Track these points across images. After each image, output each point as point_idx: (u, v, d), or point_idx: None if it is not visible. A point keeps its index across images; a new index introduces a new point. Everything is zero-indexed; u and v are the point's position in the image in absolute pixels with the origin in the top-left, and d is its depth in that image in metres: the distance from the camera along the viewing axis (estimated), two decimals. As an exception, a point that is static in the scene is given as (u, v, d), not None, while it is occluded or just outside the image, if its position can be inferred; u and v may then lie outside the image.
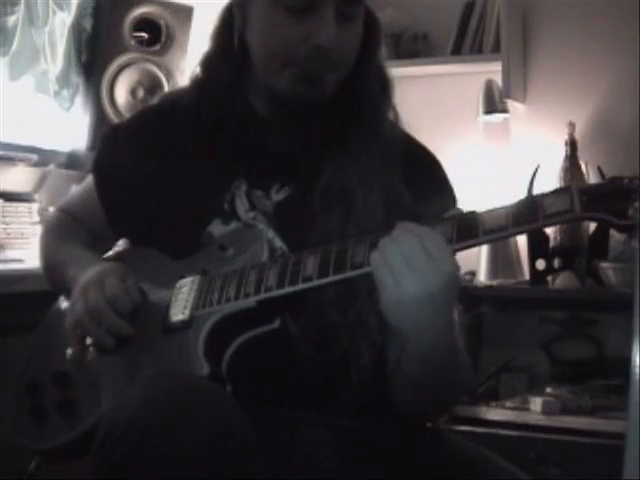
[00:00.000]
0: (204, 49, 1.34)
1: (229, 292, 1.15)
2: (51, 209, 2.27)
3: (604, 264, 2.46)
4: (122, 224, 1.38)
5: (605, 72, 2.82)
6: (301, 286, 1.09)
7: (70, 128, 2.64)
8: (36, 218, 2.25)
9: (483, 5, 2.91)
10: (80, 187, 1.49)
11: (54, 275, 1.39)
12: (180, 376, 1.06)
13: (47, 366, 1.31)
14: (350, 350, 1.17)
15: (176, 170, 1.31)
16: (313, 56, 1.18)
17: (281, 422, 1.17)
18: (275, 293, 1.11)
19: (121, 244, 1.48)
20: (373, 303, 1.16)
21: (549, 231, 2.97)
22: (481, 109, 2.85)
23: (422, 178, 1.28)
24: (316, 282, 1.08)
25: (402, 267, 0.98)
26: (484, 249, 2.76)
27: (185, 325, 1.16)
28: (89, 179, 1.43)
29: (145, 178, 1.32)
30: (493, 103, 2.84)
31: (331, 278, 1.07)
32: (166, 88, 2.66)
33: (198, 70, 1.33)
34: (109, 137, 1.43)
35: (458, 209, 1.21)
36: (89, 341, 1.25)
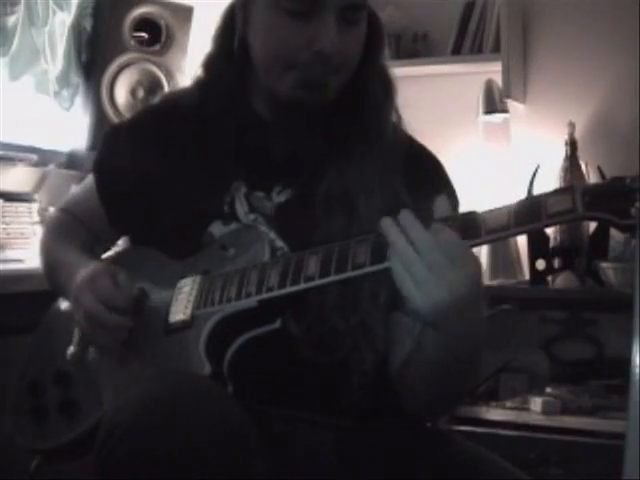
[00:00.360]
0: (204, 49, 1.34)
1: (230, 292, 1.14)
2: (51, 209, 2.27)
3: (604, 264, 2.47)
4: (122, 223, 1.38)
5: (605, 72, 2.82)
6: (303, 286, 1.09)
7: (70, 128, 2.64)
8: (36, 218, 2.25)
9: (483, 5, 2.91)
10: (80, 186, 1.49)
11: (52, 276, 1.39)
12: (182, 376, 1.06)
13: (48, 366, 1.31)
14: (352, 355, 1.17)
15: (176, 170, 1.31)
16: (315, 61, 1.18)
17: (282, 422, 1.17)
18: (277, 293, 1.11)
19: (121, 244, 1.48)
20: (376, 308, 1.16)
21: (549, 231, 2.98)
22: (481, 109, 2.85)
23: (424, 180, 1.27)
24: (318, 282, 1.08)
25: (424, 273, 0.97)
26: (484, 249, 2.77)
27: (186, 325, 1.16)
28: (89, 178, 1.43)
29: (146, 178, 1.32)
30: (493, 103, 2.84)
31: (333, 278, 1.07)
32: (166, 88, 2.66)
33: (200, 71, 1.33)
34: (110, 136, 1.43)
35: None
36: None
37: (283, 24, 1.18)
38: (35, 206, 2.27)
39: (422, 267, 0.97)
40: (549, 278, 2.63)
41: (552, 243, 2.59)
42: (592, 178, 2.60)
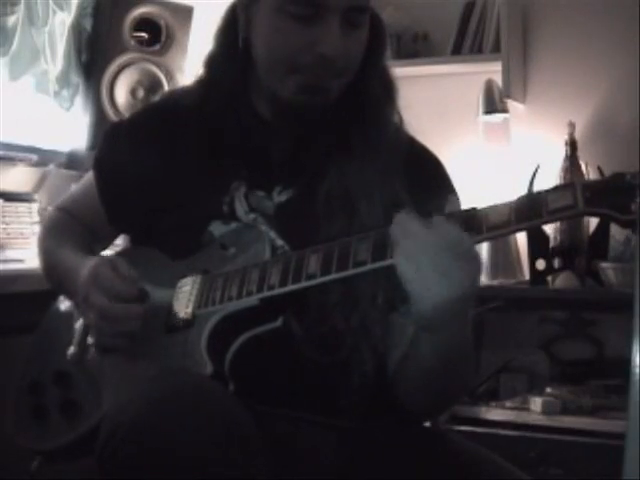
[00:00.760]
0: (205, 49, 1.33)
1: (231, 290, 1.14)
2: (49, 210, 2.27)
3: (604, 264, 2.47)
4: (122, 222, 1.38)
5: (605, 72, 2.83)
6: (304, 284, 1.09)
7: (70, 128, 2.63)
8: (36, 218, 2.25)
9: (483, 5, 2.92)
10: (79, 184, 1.49)
11: (52, 275, 1.39)
12: (183, 375, 1.06)
13: (48, 366, 1.31)
14: (352, 355, 1.17)
15: (177, 169, 1.31)
16: (318, 64, 1.18)
17: (282, 422, 1.17)
18: (278, 291, 1.11)
19: (120, 243, 1.48)
20: (376, 308, 1.16)
21: (549, 231, 2.98)
22: (481, 109, 2.85)
23: (426, 181, 1.27)
24: (319, 279, 1.08)
25: (430, 272, 0.97)
26: (484, 249, 2.76)
27: (187, 324, 1.16)
28: (88, 176, 1.43)
29: (146, 176, 1.32)
30: (493, 103, 2.84)
31: (334, 275, 1.07)
32: (166, 88, 2.66)
33: (201, 70, 1.33)
34: (110, 134, 1.42)
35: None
36: (90, 340, 1.25)
37: (287, 28, 1.18)
38: (35, 206, 2.27)
39: (426, 262, 0.97)
40: (549, 278, 2.63)
41: (552, 243, 2.59)
42: (592, 178, 2.59)
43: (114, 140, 1.40)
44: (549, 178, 2.60)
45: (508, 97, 2.83)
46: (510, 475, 1.17)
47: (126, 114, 2.57)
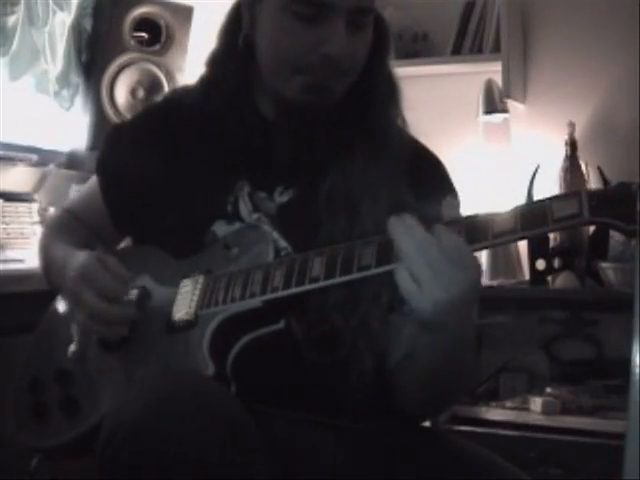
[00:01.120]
0: (205, 49, 1.33)
1: (234, 292, 1.14)
2: (51, 209, 2.27)
3: (604, 264, 2.47)
4: (126, 223, 1.38)
5: (605, 72, 2.82)
6: (308, 287, 1.09)
7: (70, 128, 2.63)
8: (36, 218, 2.25)
9: (483, 5, 2.91)
10: (85, 186, 1.50)
11: (48, 274, 1.39)
12: (185, 376, 1.06)
13: (48, 365, 1.31)
14: (352, 355, 1.17)
15: (180, 170, 1.31)
16: (324, 65, 1.18)
17: (283, 422, 1.17)
18: (281, 293, 1.11)
19: (124, 243, 1.48)
20: (377, 308, 1.16)
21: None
22: (481, 109, 2.85)
23: (428, 183, 1.27)
24: (323, 283, 1.08)
25: (425, 273, 0.97)
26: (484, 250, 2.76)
27: (190, 324, 1.16)
28: (92, 179, 1.44)
29: (149, 177, 1.32)
30: (493, 103, 2.84)
31: (338, 279, 1.07)
32: (166, 88, 2.66)
33: (204, 68, 1.33)
34: (112, 136, 1.43)
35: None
36: (92, 338, 1.25)
37: (292, 28, 1.18)
38: (35, 206, 2.27)
39: (424, 267, 0.97)
40: (549, 278, 2.63)
41: (552, 243, 2.59)
42: (592, 178, 2.60)
43: (116, 142, 1.40)
44: (549, 178, 2.60)
45: (508, 97, 2.82)
46: (510, 475, 1.17)
47: (126, 114, 2.57)
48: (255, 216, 1.25)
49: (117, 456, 0.95)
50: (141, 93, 2.65)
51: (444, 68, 2.98)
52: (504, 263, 2.78)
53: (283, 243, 1.23)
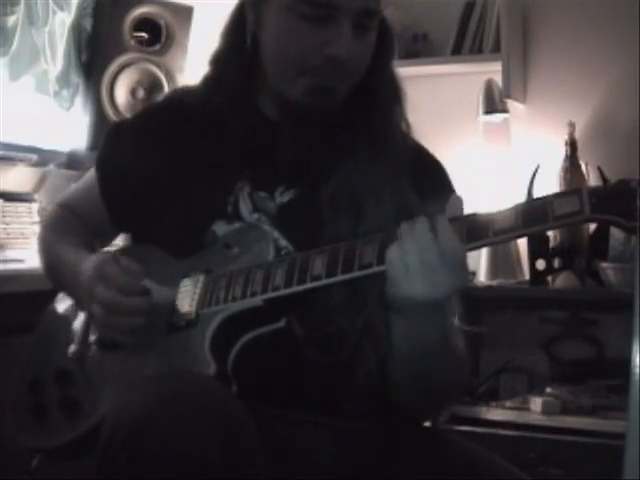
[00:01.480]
0: (206, 49, 1.33)
1: (235, 291, 1.14)
2: (49, 207, 2.27)
3: (604, 264, 2.47)
4: (124, 221, 1.38)
5: (605, 72, 2.82)
6: (309, 285, 1.09)
7: (70, 128, 2.63)
8: (36, 218, 2.25)
9: (483, 5, 2.91)
10: (80, 182, 1.48)
11: (52, 271, 1.39)
12: (186, 376, 1.06)
13: (48, 365, 1.31)
14: (356, 355, 1.17)
15: (181, 169, 1.31)
16: (328, 66, 1.18)
17: (283, 422, 1.17)
18: (283, 292, 1.11)
19: (119, 243, 1.48)
20: (380, 308, 1.17)
21: (549, 231, 2.96)
22: (481, 109, 2.85)
23: (431, 187, 1.26)
24: (324, 281, 1.08)
25: (416, 265, 0.99)
26: (484, 249, 2.76)
27: (191, 323, 1.16)
28: (90, 174, 1.43)
29: (149, 175, 1.31)
30: (493, 103, 2.84)
31: (339, 277, 1.07)
32: (166, 88, 2.66)
33: (207, 68, 1.33)
34: (113, 134, 1.42)
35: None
36: (92, 338, 1.25)
37: (298, 28, 1.18)
38: (35, 206, 2.27)
39: (416, 260, 0.99)
40: (549, 278, 2.63)
41: (552, 243, 2.59)
42: (592, 178, 2.60)
43: (116, 139, 1.40)
44: (549, 178, 2.60)
45: (508, 97, 2.82)
46: (510, 475, 1.17)
47: (126, 114, 2.57)
48: (255, 216, 1.25)
49: (117, 456, 0.95)
50: (141, 93, 2.65)
51: (444, 68, 2.98)
52: (504, 263, 2.78)
53: (283, 242, 1.23)
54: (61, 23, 2.57)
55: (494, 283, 2.73)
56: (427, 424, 1.38)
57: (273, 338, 1.13)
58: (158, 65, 2.68)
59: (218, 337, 1.13)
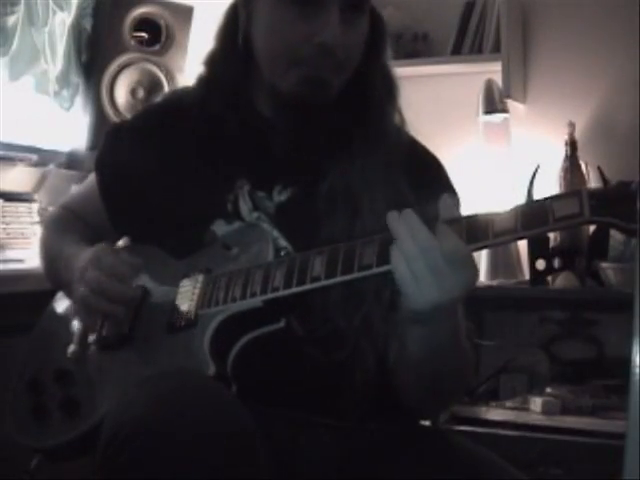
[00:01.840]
0: (206, 48, 1.34)
1: (235, 291, 1.14)
2: (51, 209, 2.27)
3: (604, 264, 2.46)
4: (123, 221, 1.38)
5: (605, 72, 2.82)
6: (309, 286, 1.09)
7: (70, 128, 2.63)
8: (36, 218, 2.25)
9: (483, 5, 2.91)
10: (83, 184, 1.50)
11: (51, 269, 1.39)
12: (187, 376, 1.06)
13: (48, 365, 1.31)
14: (355, 353, 1.17)
15: (179, 169, 1.31)
16: (319, 54, 1.19)
17: (284, 422, 1.17)
18: (282, 293, 1.10)
19: (122, 243, 1.48)
20: (379, 306, 1.16)
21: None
22: (481, 109, 2.85)
23: (427, 182, 1.27)
24: (324, 282, 1.08)
25: (423, 271, 0.98)
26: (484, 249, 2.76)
27: (190, 324, 1.16)
28: (91, 177, 1.44)
29: (147, 176, 1.32)
30: (493, 103, 2.84)
31: (339, 278, 1.07)
32: (166, 88, 2.66)
33: (202, 68, 1.33)
34: (112, 134, 1.43)
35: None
36: (91, 338, 1.25)
37: (287, 18, 1.19)
38: (35, 206, 2.27)
39: (423, 265, 0.98)
40: (549, 278, 2.62)
41: (552, 243, 2.58)
42: (592, 178, 2.60)
43: (115, 140, 1.40)
44: (549, 178, 2.60)
45: (508, 97, 2.82)
46: (510, 475, 1.17)
47: (126, 114, 2.57)
48: (255, 215, 1.26)
49: (118, 456, 0.95)
50: (141, 93, 2.65)
51: (444, 68, 2.98)
52: (504, 263, 2.78)
53: (283, 242, 1.23)
54: (61, 23, 2.57)
55: (494, 283, 2.73)
56: (427, 424, 1.38)
57: (273, 338, 1.13)
58: (158, 65, 2.68)
59: (217, 338, 1.13)
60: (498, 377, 2.66)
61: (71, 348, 1.26)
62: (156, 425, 0.94)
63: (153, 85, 2.67)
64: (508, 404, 2.56)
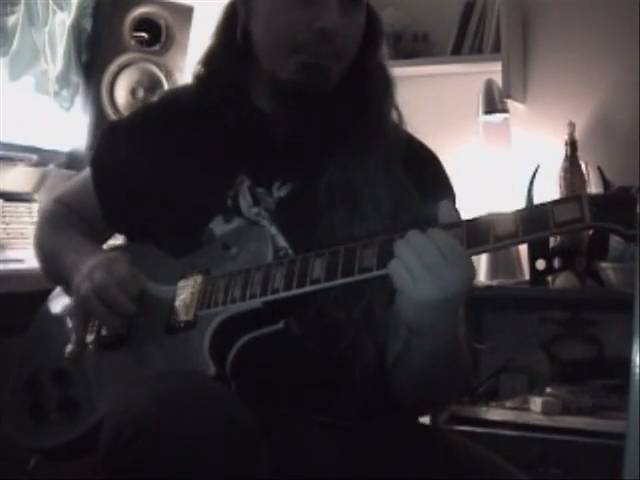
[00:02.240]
0: (205, 48, 1.34)
1: (234, 292, 1.14)
2: (45, 203, 2.26)
3: (604, 264, 2.46)
4: (117, 219, 1.38)
5: (605, 72, 2.82)
6: (309, 288, 1.09)
7: (70, 128, 2.63)
8: (36, 218, 2.25)
9: (483, 5, 2.92)
10: (76, 180, 1.48)
11: (50, 263, 1.39)
12: (187, 376, 1.06)
13: (45, 365, 1.31)
14: (354, 347, 1.17)
15: (177, 166, 1.31)
16: (318, 40, 1.20)
17: (283, 422, 1.17)
18: (282, 295, 1.10)
19: (112, 243, 1.48)
20: (377, 301, 1.17)
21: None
22: (481, 109, 2.85)
23: (424, 177, 1.28)
24: (324, 284, 1.08)
25: (419, 270, 0.98)
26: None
27: (189, 325, 1.16)
28: (85, 172, 1.43)
29: (144, 174, 1.32)
30: (493, 103, 2.84)
31: (339, 281, 1.07)
32: (166, 88, 2.66)
33: (199, 66, 1.33)
34: (108, 133, 1.43)
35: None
36: (89, 338, 1.25)
37: (286, 6, 1.20)
38: (35, 206, 2.27)
39: (418, 265, 0.98)
40: (549, 278, 2.62)
41: (552, 243, 2.59)
42: (592, 178, 2.60)
43: (112, 138, 1.40)
44: (549, 178, 2.60)
45: (508, 97, 2.82)
46: (509, 475, 1.17)
47: (126, 114, 2.57)
48: (254, 210, 1.26)
49: (121, 456, 0.95)
50: (141, 93, 2.65)
51: (444, 68, 2.98)
52: (504, 263, 2.78)
53: (282, 240, 1.23)
54: (61, 23, 2.57)
55: (494, 283, 2.73)
56: (427, 423, 1.38)
57: (272, 339, 1.13)
58: (158, 65, 2.68)
59: (217, 338, 1.13)
60: (498, 377, 2.66)
61: (69, 348, 1.26)
62: (158, 425, 0.94)
63: (153, 85, 2.67)
64: (508, 404, 2.56)
